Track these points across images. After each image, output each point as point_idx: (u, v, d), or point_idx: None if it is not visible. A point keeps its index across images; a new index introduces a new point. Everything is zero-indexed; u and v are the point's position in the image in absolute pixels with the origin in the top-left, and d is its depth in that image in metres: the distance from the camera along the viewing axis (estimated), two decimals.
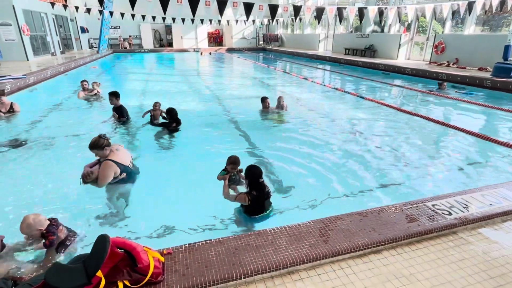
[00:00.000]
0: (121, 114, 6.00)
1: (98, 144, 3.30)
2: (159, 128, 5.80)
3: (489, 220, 2.66)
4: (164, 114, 5.95)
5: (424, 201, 2.85)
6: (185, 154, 4.93)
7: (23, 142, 5.09)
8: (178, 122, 5.72)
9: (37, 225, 2.34)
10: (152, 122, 6.00)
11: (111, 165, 3.32)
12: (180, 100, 8.53)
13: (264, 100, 6.75)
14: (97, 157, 3.44)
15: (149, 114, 6.07)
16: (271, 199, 3.20)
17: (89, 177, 3.25)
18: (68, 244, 2.53)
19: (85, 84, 8.20)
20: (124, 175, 3.42)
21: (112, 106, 6.02)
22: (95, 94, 8.16)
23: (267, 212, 3.13)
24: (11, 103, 6.67)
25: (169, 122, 5.71)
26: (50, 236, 2.34)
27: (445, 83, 9.85)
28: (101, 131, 5.66)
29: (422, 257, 2.25)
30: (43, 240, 2.38)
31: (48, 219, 2.45)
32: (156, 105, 6.00)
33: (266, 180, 3.89)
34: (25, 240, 2.48)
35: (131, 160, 3.65)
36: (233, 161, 3.37)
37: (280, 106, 6.77)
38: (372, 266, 2.16)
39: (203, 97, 9.46)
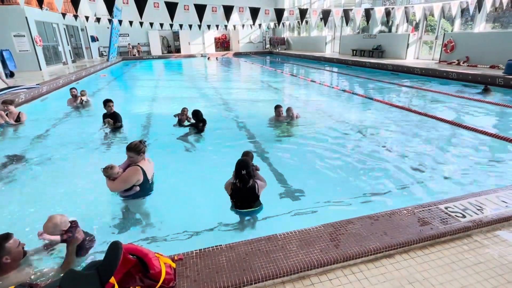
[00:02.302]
0: (116, 120, 6.18)
1: (137, 149, 3.34)
2: (181, 132, 5.95)
3: (505, 223, 2.59)
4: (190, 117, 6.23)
5: (437, 203, 2.80)
6: (196, 160, 4.97)
7: (30, 152, 5.16)
8: (204, 122, 5.97)
9: (62, 226, 2.41)
10: (180, 124, 6.25)
11: (138, 172, 3.32)
12: (190, 105, 8.54)
13: (277, 108, 6.73)
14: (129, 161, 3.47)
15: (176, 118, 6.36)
16: (268, 201, 3.22)
17: (110, 169, 3.26)
18: (87, 247, 2.58)
19: (74, 91, 8.27)
20: (137, 188, 3.40)
21: (105, 113, 6.22)
22: (82, 102, 8.27)
23: (254, 209, 3.14)
24: (19, 112, 6.79)
25: (196, 123, 5.94)
26: (66, 233, 2.40)
27: (491, 88, 8.82)
28: (102, 138, 5.84)
29: (435, 261, 2.20)
30: (59, 238, 2.44)
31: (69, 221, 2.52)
32: (184, 110, 6.26)
33: (276, 184, 3.92)
34: (43, 245, 2.53)
35: (152, 175, 3.66)
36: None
37: (290, 116, 6.75)
38: (384, 271, 2.13)
39: (211, 101, 9.52)
